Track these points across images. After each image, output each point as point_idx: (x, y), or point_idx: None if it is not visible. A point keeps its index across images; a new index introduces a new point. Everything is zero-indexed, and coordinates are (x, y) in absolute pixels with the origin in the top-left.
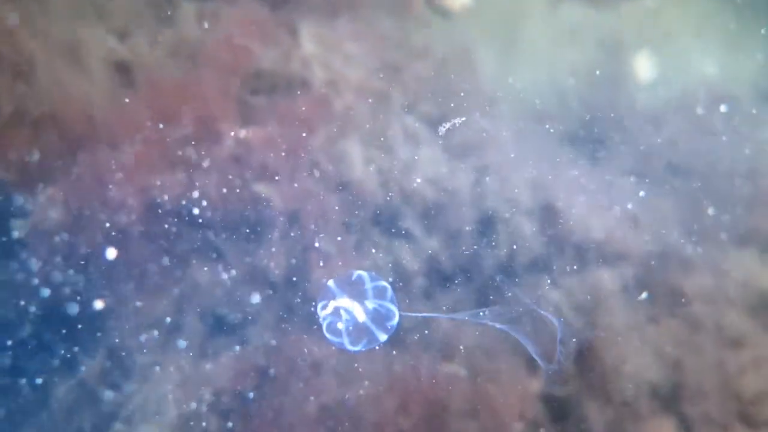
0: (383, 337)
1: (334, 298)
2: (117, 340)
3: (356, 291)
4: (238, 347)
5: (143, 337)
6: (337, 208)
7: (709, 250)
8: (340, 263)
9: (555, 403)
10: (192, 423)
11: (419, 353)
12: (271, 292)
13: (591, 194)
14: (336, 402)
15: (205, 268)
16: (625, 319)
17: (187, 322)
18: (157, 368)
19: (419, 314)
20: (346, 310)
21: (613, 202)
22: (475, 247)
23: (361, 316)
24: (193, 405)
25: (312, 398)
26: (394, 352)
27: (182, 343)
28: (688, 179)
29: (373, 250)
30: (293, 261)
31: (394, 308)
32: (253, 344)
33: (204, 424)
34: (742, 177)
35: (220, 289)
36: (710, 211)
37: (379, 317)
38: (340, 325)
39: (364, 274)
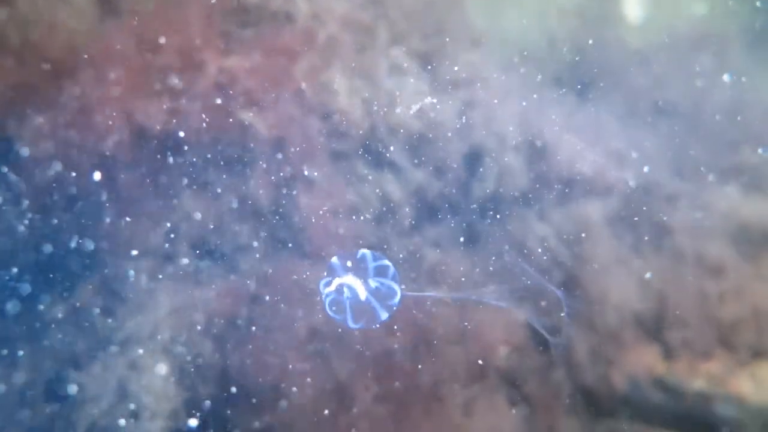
0: (384, 315)
1: (337, 275)
2: (110, 268)
3: (359, 269)
4: (228, 273)
5: (136, 265)
6: (322, 137)
7: (693, 185)
8: (326, 192)
9: (542, 333)
10: (185, 346)
11: (406, 280)
12: (259, 219)
13: (578, 130)
14: (324, 324)
15: (194, 196)
16: (611, 252)
17: (178, 249)
18: (151, 294)
19: (422, 294)
20: (349, 287)
21: (599, 138)
22: (462, 180)
23: (363, 294)
24: (186, 329)
25: (300, 321)
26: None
27: (174, 270)
28: (673, 117)
29: (360, 181)
30: (280, 189)
31: (396, 287)
32: (242, 270)
33: (196, 346)
34: (727, 116)
35: (209, 216)
36: (694, 147)
37: (380, 296)
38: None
39: (367, 252)
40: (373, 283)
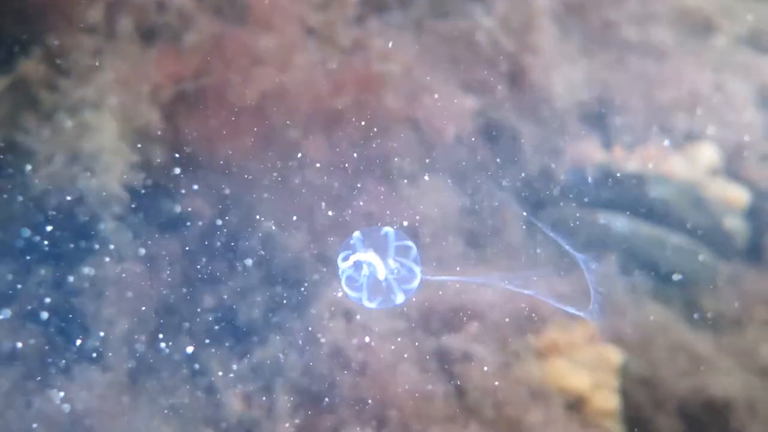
0: (401, 298)
1: (356, 250)
2: (55, 42)
3: (380, 247)
4: (175, 44)
5: (80, 40)
6: None
7: None
8: None
9: (489, 122)
10: (133, 113)
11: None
12: None
13: None
14: (274, 88)
15: None
16: (557, 43)
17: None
18: (98, 66)
19: (440, 278)
20: (369, 264)
21: None
22: None
23: (383, 274)
24: (134, 97)
25: (252, 86)
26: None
27: (119, 45)
28: None
29: None
30: None
31: (416, 268)
32: (188, 39)
33: (146, 115)
34: None
35: None
36: None
37: (399, 277)
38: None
39: (390, 230)
40: (393, 264)
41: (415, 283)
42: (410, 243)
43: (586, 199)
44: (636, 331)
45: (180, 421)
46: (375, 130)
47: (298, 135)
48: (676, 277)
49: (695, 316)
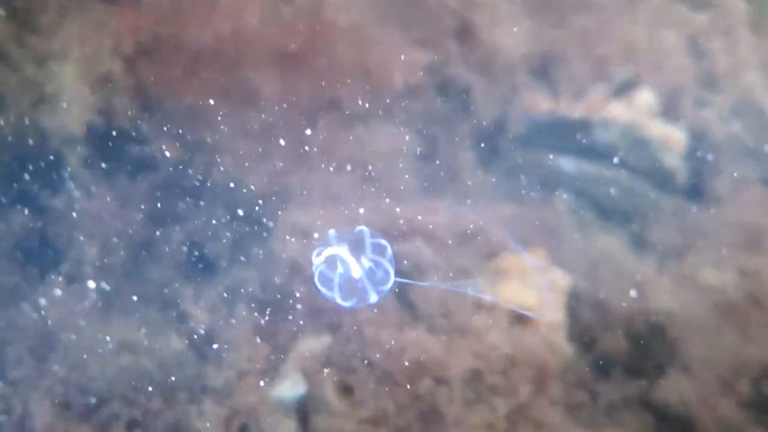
0: (374, 297)
1: (330, 245)
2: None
3: (355, 245)
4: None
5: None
6: None
7: None
8: None
9: (440, 75)
10: (97, 63)
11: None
12: None
13: None
14: (231, 35)
15: None
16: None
17: None
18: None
19: (413, 282)
20: (342, 261)
21: None
22: None
23: (357, 272)
24: (97, 48)
25: (208, 33)
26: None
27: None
28: None
29: None
30: None
31: (390, 269)
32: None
33: (110, 64)
34: None
35: None
36: None
37: (373, 276)
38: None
39: (365, 229)
40: (366, 263)
41: (389, 284)
42: (385, 242)
43: (536, 145)
44: (584, 260)
45: (149, 331)
46: (328, 75)
47: (254, 79)
48: (621, 211)
49: (639, 246)
